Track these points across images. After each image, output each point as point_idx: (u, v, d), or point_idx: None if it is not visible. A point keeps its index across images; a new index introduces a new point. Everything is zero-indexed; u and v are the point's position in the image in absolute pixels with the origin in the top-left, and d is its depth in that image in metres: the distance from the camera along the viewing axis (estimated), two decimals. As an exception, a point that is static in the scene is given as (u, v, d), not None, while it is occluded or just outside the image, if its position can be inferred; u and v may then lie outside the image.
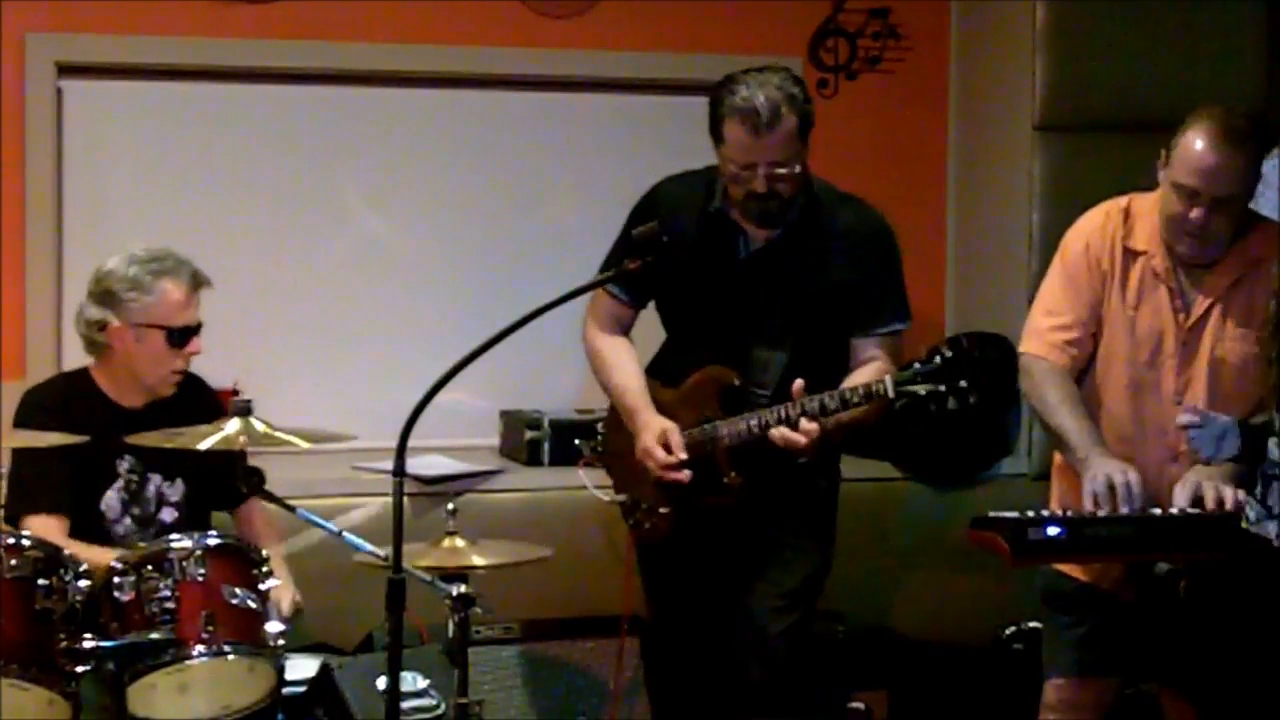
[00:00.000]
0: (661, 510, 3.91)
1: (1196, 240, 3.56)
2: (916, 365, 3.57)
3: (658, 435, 3.83)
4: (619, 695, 4.19)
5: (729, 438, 3.80)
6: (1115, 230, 3.69)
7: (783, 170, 3.71)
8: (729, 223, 3.86)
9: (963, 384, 3.51)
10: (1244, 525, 3.35)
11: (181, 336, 3.92)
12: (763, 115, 3.66)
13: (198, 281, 3.95)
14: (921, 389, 3.54)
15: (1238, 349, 3.60)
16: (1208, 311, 3.61)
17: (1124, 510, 3.43)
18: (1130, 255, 3.68)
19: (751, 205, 3.77)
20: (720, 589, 3.95)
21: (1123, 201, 3.73)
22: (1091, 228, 3.74)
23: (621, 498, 4.04)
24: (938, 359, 3.54)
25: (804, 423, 3.66)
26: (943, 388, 3.53)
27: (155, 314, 3.89)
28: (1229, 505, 3.40)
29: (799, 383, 3.69)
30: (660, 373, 4.03)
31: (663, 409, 3.91)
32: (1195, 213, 3.52)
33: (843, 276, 3.83)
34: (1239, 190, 3.54)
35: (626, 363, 4.01)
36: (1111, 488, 3.46)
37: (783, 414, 3.69)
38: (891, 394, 3.59)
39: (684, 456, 3.80)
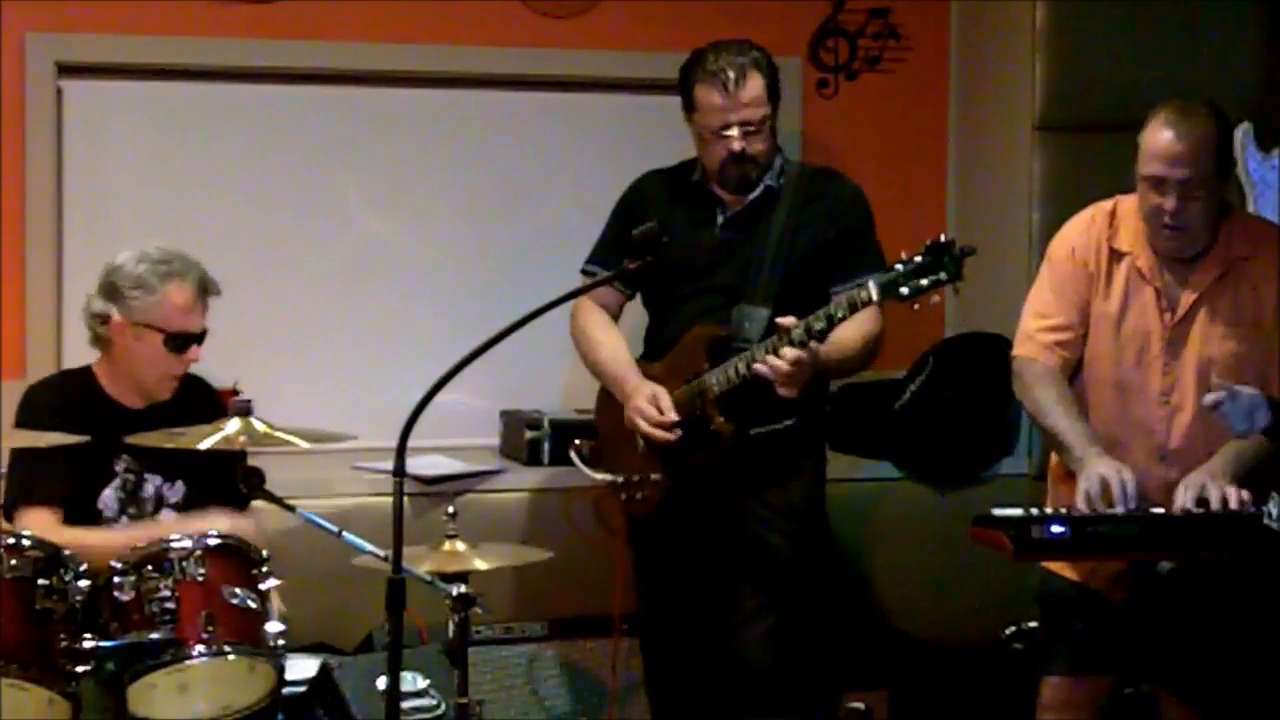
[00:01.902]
0: (653, 477, 3.98)
1: (1175, 232, 3.57)
2: (898, 266, 3.61)
3: (648, 396, 3.92)
4: (617, 695, 4.19)
5: (717, 385, 3.87)
6: (1100, 232, 3.71)
7: (754, 127, 3.91)
8: (708, 194, 4.03)
9: (942, 275, 3.56)
10: (1265, 523, 3.35)
11: (180, 342, 3.90)
12: (732, 75, 3.90)
13: (205, 288, 3.93)
14: (905, 288, 3.58)
15: (1228, 347, 3.60)
16: (1193, 310, 3.61)
17: (1119, 510, 3.43)
18: (1115, 256, 3.69)
19: (730, 170, 3.94)
20: (710, 575, 3.99)
21: (1108, 204, 3.75)
22: (1077, 231, 3.76)
23: (613, 476, 4.08)
24: (919, 257, 3.58)
25: (788, 351, 3.70)
26: (925, 281, 3.57)
27: (155, 315, 3.88)
28: (1233, 504, 3.40)
29: (788, 319, 3.74)
30: (648, 353, 4.13)
31: (653, 380, 3.99)
32: (1169, 202, 3.53)
33: (820, 232, 3.99)
34: (1205, 172, 3.54)
35: (611, 336, 4.13)
36: (1106, 487, 3.46)
37: (769, 348, 3.76)
38: (876, 297, 3.64)
39: (675, 418, 3.89)
